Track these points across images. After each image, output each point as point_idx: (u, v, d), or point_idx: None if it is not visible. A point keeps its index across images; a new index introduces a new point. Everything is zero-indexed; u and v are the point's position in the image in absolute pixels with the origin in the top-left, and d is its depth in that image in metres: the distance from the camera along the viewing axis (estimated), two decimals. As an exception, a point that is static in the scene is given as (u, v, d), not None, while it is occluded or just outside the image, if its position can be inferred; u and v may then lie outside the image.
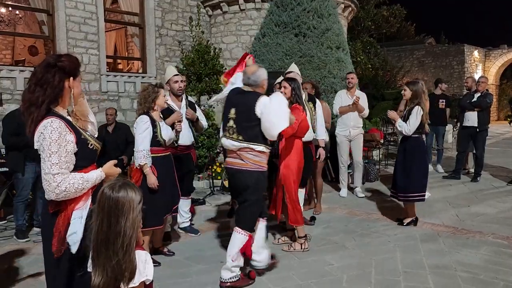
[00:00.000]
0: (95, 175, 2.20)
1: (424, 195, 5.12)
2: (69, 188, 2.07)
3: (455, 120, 8.55)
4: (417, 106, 4.92)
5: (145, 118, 3.79)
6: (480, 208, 5.90)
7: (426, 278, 3.66)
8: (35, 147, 2.14)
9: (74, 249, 2.10)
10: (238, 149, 3.51)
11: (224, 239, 4.50)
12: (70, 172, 2.13)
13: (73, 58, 2.24)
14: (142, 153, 3.73)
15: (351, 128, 6.42)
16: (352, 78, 6.40)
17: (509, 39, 46.08)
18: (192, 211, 5.32)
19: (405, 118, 5.00)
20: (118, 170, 2.34)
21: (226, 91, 4.00)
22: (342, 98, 6.43)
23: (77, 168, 2.17)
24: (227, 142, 3.58)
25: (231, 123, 3.55)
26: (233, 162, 3.58)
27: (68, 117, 2.23)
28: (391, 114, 5.11)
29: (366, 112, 6.50)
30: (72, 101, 2.24)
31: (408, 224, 5.10)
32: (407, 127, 4.95)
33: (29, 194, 5.18)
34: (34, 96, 2.11)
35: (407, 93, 5.06)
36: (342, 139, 6.51)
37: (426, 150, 5.87)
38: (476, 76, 16.96)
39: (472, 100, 7.55)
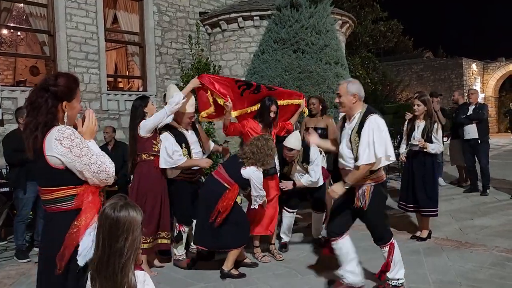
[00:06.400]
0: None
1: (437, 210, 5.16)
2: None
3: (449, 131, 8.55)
4: (436, 123, 4.96)
5: (259, 172, 4.09)
6: (483, 221, 5.86)
7: (431, 293, 3.62)
8: (56, 156, 2.06)
9: (82, 262, 2.03)
10: None
11: (224, 256, 4.45)
12: (66, 186, 2.14)
13: (69, 81, 2.19)
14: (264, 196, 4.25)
15: None
16: None
17: (507, 51, 46.46)
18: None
19: (427, 137, 4.92)
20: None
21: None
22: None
23: (71, 184, 2.14)
24: None
25: None
26: None
27: None
28: (422, 142, 4.94)
29: None
30: (66, 121, 2.21)
31: (428, 237, 5.05)
32: (440, 146, 4.95)
33: (30, 214, 5.16)
34: (29, 120, 2.14)
35: (421, 108, 5.00)
36: None
37: None
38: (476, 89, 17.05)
39: (468, 114, 7.61)
